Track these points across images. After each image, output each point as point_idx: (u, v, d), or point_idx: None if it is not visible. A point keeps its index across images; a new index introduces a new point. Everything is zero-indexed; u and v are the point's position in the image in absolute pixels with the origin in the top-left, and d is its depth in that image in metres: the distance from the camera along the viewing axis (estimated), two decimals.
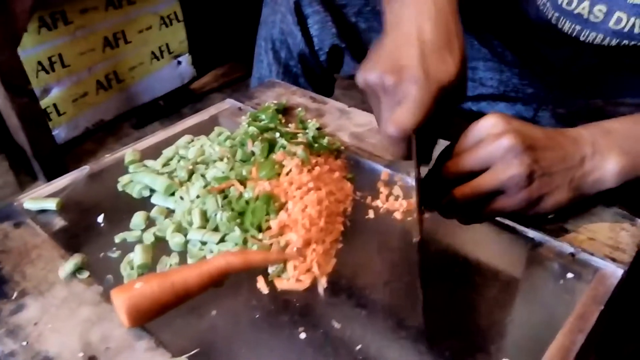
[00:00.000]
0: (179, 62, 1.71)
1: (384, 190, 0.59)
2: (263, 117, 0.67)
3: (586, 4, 0.61)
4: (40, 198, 0.58)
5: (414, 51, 0.47)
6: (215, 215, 0.53)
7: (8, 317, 0.45)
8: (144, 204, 0.58)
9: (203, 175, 0.59)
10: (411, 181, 0.59)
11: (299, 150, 0.58)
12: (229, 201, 0.54)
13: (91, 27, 1.44)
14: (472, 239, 0.55)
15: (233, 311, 0.47)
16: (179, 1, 1.63)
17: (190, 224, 0.53)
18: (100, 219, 0.56)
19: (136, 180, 0.60)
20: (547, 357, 0.41)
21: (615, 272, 0.48)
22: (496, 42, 0.78)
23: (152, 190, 0.59)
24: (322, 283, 0.48)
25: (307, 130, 0.65)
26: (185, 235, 0.52)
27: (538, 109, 0.77)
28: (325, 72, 0.87)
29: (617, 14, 0.59)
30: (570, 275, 0.49)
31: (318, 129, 0.67)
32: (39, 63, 1.34)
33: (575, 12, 0.62)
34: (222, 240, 0.51)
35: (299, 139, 0.62)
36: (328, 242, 0.51)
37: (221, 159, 0.61)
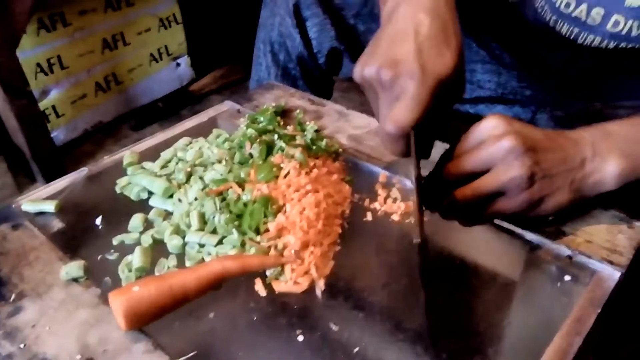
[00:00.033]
0: (178, 64, 1.71)
1: (382, 193, 0.59)
2: (261, 119, 0.67)
3: (584, 7, 0.61)
4: (38, 200, 0.58)
5: (411, 45, 0.46)
6: (214, 217, 0.53)
7: (6, 320, 0.44)
8: (142, 206, 0.58)
9: (201, 178, 0.59)
10: (409, 184, 0.59)
11: (297, 152, 0.58)
12: (227, 203, 0.54)
13: (90, 28, 1.44)
14: (469, 242, 0.55)
15: (231, 314, 0.47)
16: (177, 3, 1.63)
17: (189, 226, 0.53)
18: (98, 221, 0.56)
19: (134, 183, 0.60)
20: (544, 359, 0.41)
21: (612, 274, 0.48)
22: (494, 44, 0.78)
23: (151, 193, 0.59)
24: (320, 285, 0.48)
25: (305, 133, 0.65)
26: (184, 238, 0.52)
27: (536, 112, 0.77)
28: (324, 74, 0.87)
29: (615, 16, 0.60)
30: (567, 277, 0.49)
31: (316, 131, 0.67)
32: (38, 65, 1.34)
33: (573, 15, 0.63)
34: (220, 242, 0.51)
35: (297, 142, 0.62)
36: (326, 244, 0.51)
37: (219, 161, 0.61)
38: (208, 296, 0.45)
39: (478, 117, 0.49)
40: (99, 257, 0.51)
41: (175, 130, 0.70)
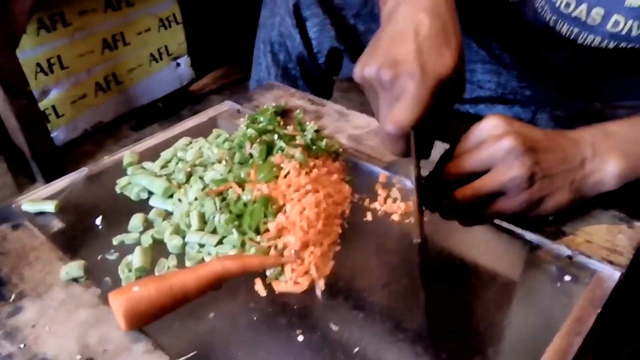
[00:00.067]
0: (178, 64, 1.71)
1: (381, 193, 0.59)
2: (261, 119, 0.67)
3: (584, 7, 0.61)
4: (38, 200, 0.58)
5: (411, 45, 0.46)
6: (214, 217, 0.53)
7: (6, 320, 0.44)
8: (142, 206, 0.58)
9: (201, 178, 0.59)
10: (409, 184, 0.59)
11: (297, 152, 0.58)
12: (227, 203, 0.54)
13: (90, 28, 1.44)
14: (469, 242, 0.55)
15: (231, 314, 0.47)
16: (177, 3, 1.63)
17: (189, 226, 0.53)
18: (98, 221, 0.56)
19: (134, 183, 0.60)
20: (544, 359, 0.41)
21: (612, 274, 0.48)
22: (494, 44, 0.78)
23: (151, 193, 0.59)
24: (320, 285, 0.48)
25: (305, 133, 0.65)
26: (184, 238, 0.52)
27: (536, 112, 0.77)
28: (324, 74, 0.87)
29: (615, 16, 0.60)
30: (567, 277, 0.49)
31: (316, 131, 0.67)
32: (38, 65, 1.34)
33: (573, 15, 0.63)
34: (220, 242, 0.51)
35: (297, 142, 0.62)
36: (326, 244, 0.51)
37: (219, 161, 0.61)
38: (208, 296, 0.45)
39: (478, 117, 0.49)
40: (99, 257, 0.51)
41: (175, 130, 0.70)
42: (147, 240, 0.53)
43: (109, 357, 0.42)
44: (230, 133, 0.67)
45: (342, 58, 0.84)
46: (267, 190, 0.54)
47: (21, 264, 0.50)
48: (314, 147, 0.62)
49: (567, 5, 0.62)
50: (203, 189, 0.57)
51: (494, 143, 0.46)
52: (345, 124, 0.70)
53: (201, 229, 0.53)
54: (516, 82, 0.78)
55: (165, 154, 0.64)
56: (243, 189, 0.55)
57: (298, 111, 0.71)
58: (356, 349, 0.43)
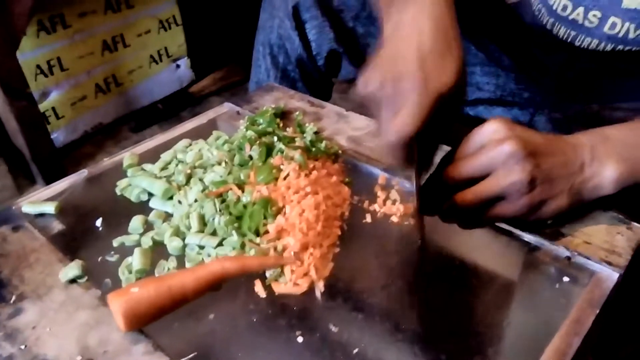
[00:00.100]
0: (178, 66, 1.72)
1: (381, 194, 0.59)
2: (261, 121, 0.67)
3: (581, 9, 0.61)
4: (38, 202, 0.58)
5: (413, 58, 0.47)
6: (213, 219, 0.53)
7: (6, 321, 0.45)
8: (142, 207, 0.58)
9: (201, 179, 0.59)
10: (409, 185, 0.60)
11: (297, 154, 0.58)
12: (226, 205, 0.54)
13: (90, 30, 1.44)
14: (469, 243, 0.55)
15: (231, 315, 0.47)
16: (177, 5, 1.63)
17: (188, 228, 0.54)
18: (98, 222, 0.56)
19: (134, 184, 0.60)
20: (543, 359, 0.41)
21: (611, 275, 0.48)
22: (493, 47, 0.78)
23: (151, 194, 0.59)
24: (320, 287, 0.48)
25: (304, 134, 0.65)
26: (183, 239, 0.53)
27: (534, 114, 0.77)
28: (323, 76, 0.87)
29: (612, 19, 0.60)
30: (566, 278, 0.49)
31: (316, 132, 0.67)
32: (38, 66, 1.34)
33: (570, 17, 0.63)
34: (219, 244, 0.52)
35: (297, 143, 0.62)
36: (325, 246, 0.51)
37: (219, 163, 0.61)
38: (208, 297, 0.45)
39: (477, 119, 0.49)
40: (99, 259, 0.51)
41: (175, 132, 0.70)
42: (147, 241, 0.53)
43: (109, 359, 0.42)
44: (230, 135, 0.67)
45: (341, 60, 0.85)
46: (267, 192, 0.54)
47: (21, 265, 0.50)
48: (314, 149, 0.62)
49: (564, 8, 0.63)
50: (203, 191, 0.57)
51: (495, 147, 0.46)
52: (344, 126, 0.70)
53: (201, 231, 0.53)
54: (514, 84, 0.78)
55: (165, 156, 0.64)
56: (243, 191, 0.55)
57: (297, 113, 0.71)
58: (356, 350, 0.43)
